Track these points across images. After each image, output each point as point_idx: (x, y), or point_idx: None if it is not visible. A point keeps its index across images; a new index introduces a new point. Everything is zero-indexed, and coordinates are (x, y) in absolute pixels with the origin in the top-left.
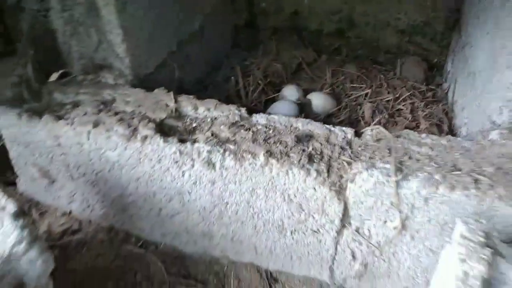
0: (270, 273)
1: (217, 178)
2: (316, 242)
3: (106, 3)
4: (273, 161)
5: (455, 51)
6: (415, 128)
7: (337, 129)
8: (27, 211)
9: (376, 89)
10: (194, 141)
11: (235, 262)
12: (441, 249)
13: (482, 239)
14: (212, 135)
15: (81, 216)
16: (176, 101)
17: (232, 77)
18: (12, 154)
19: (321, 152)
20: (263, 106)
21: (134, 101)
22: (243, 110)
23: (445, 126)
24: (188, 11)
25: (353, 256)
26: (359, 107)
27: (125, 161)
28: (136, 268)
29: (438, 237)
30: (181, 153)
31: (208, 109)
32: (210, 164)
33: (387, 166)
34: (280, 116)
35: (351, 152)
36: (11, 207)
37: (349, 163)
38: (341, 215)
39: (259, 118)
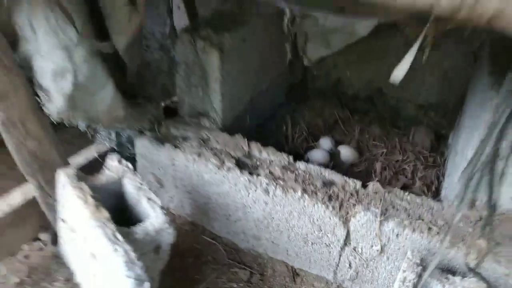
0: (294, 269)
1: (269, 201)
2: (327, 252)
3: (215, 78)
4: (306, 196)
5: (455, 128)
6: (411, 185)
7: (350, 181)
8: None
9: (390, 149)
10: (258, 175)
11: (272, 258)
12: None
13: (418, 261)
14: (269, 172)
15: (175, 212)
16: (248, 145)
17: (284, 125)
18: (138, 164)
19: (338, 195)
20: (304, 151)
21: (222, 141)
22: (291, 157)
23: (433, 187)
24: (260, 77)
25: (350, 265)
26: (376, 161)
27: (213, 181)
28: (207, 252)
29: (403, 259)
30: (249, 181)
31: (268, 153)
32: (266, 191)
33: (377, 210)
34: (315, 165)
35: (357, 197)
36: (158, 200)
37: (354, 205)
38: (344, 237)
39: (301, 165)
